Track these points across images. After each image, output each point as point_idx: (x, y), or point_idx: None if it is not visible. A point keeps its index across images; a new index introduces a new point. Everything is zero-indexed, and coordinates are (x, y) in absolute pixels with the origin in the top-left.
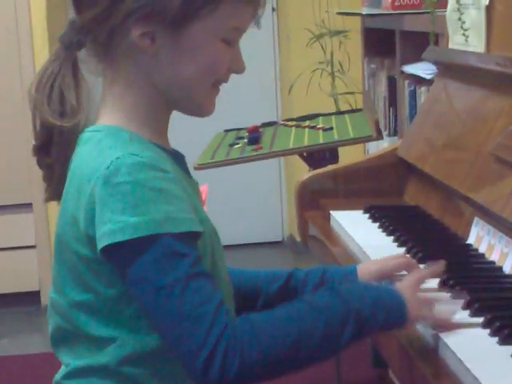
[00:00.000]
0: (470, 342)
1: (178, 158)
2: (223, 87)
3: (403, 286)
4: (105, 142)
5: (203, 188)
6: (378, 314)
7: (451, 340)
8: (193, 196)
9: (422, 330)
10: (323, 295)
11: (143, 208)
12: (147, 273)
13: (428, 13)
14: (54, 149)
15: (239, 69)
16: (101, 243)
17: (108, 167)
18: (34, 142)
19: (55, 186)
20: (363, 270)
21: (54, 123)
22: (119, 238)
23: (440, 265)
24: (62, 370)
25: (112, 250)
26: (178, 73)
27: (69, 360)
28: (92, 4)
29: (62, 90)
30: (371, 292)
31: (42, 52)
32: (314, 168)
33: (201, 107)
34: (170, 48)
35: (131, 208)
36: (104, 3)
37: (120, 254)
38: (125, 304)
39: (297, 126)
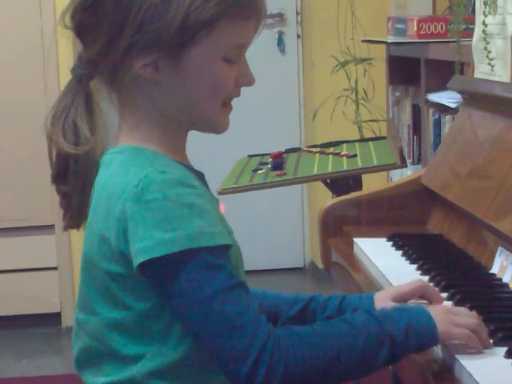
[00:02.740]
0: (492, 371)
1: (198, 175)
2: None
3: (435, 308)
4: (130, 161)
5: (220, 207)
6: (409, 339)
7: (474, 368)
8: (218, 211)
9: (443, 354)
10: (360, 317)
11: (176, 224)
12: (185, 287)
13: (454, 42)
14: (70, 178)
15: (248, 82)
16: (137, 260)
17: (137, 185)
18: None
19: (74, 215)
20: (380, 297)
21: (69, 152)
22: (154, 254)
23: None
24: None
25: (148, 266)
26: (184, 97)
27: (94, 379)
28: (93, 40)
29: (75, 120)
30: (403, 316)
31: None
32: (338, 195)
33: (214, 126)
34: (173, 74)
35: (164, 224)
36: (103, 39)
37: (156, 270)
38: (156, 318)
39: (321, 153)
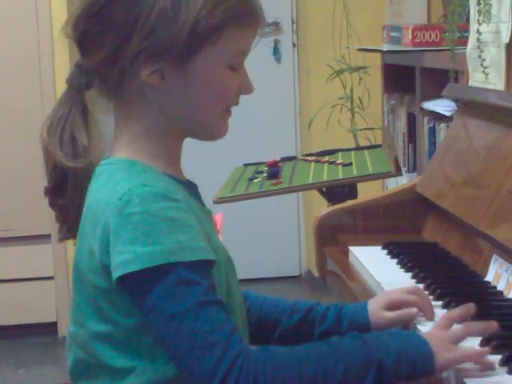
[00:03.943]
0: (487, 379)
1: (191, 187)
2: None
3: (433, 333)
4: (118, 174)
5: (218, 217)
6: (401, 366)
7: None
8: (206, 225)
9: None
10: (348, 340)
11: (155, 238)
12: (159, 302)
13: (448, 50)
14: (69, 190)
15: (248, 90)
16: (115, 274)
17: (121, 198)
18: (46, 184)
19: (71, 226)
20: (374, 307)
21: (68, 165)
22: (132, 268)
23: (470, 308)
24: None
25: (126, 279)
26: (190, 104)
27: None
28: (97, 48)
29: (72, 131)
30: (397, 342)
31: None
32: (333, 203)
33: (213, 132)
34: (179, 82)
35: (144, 238)
36: (109, 47)
37: (134, 284)
38: (143, 333)
39: (316, 161)
